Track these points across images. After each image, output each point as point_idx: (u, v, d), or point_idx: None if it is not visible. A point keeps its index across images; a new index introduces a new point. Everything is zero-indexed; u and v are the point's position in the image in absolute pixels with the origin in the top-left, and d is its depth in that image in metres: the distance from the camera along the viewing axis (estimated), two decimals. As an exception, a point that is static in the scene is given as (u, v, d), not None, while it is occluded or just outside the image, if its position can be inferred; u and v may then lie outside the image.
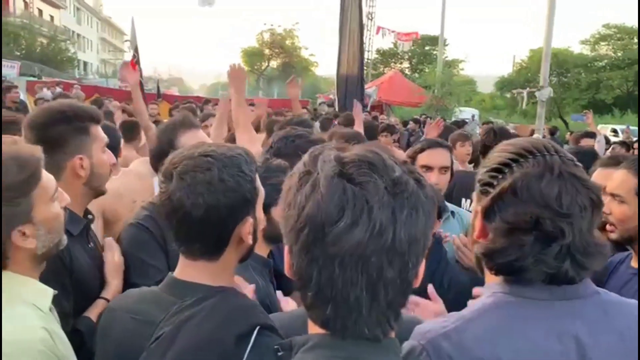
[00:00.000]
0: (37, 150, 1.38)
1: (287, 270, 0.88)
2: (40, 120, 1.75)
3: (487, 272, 1.15)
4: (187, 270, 1.25)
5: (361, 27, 12.85)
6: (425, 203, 0.81)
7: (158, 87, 16.98)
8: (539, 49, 33.14)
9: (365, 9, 17.21)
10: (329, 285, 0.78)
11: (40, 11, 46.64)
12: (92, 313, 1.64)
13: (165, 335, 1.09)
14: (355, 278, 0.77)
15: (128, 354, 1.18)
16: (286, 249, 0.86)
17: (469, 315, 1.08)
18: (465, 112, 24.88)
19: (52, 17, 49.11)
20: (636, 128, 17.34)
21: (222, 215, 1.19)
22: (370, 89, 19.04)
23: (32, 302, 1.29)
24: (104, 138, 1.85)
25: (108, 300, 1.72)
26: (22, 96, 12.90)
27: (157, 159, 1.95)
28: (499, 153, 1.14)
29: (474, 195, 1.20)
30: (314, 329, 0.85)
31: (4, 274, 1.30)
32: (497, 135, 3.43)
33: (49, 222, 1.35)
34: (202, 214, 1.17)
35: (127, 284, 1.73)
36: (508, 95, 36.61)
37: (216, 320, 1.09)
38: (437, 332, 1.05)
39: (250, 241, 1.26)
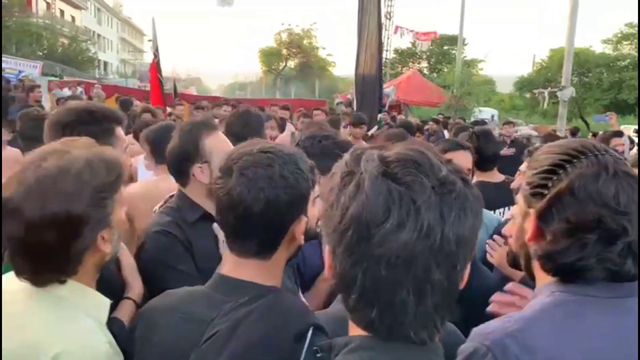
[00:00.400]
0: (118, 152, 1.36)
1: (327, 272, 0.86)
2: (68, 119, 1.76)
3: (539, 273, 1.15)
4: (237, 268, 1.23)
5: (380, 26, 12.77)
6: (473, 203, 0.79)
7: (175, 87, 17.06)
8: (560, 49, 32.77)
9: (383, 9, 17.16)
10: (374, 287, 0.76)
11: (62, 12, 47.38)
12: (121, 314, 1.64)
13: (221, 334, 1.09)
14: (401, 280, 0.75)
15: (176, 353, 1.17)
16: (327, 249, 0.84)
17: (530, 315, 1.07)
18: (485, 112, 24.63)
19: (73, 17, 49.84)
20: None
21: (281, 211, 1.19)
22: (388, 88, 18.96)
23: (93, 314, 1.26)
24: (126, 139, 1.86)
25: (134, 301, 1.73)
26: (44, 96, 13.15)
27: (178, 159, 1.92)
28: (546, 155, 1.14)
29: (518, 198, 1.19)
30: (355, 330, 0.84)
31: (66, 284, 1.25)
32: (479, 138, 3.40)
33: (120, 226, 1.32)
34: (262, 209, 1.17)
35: (157, 291, 1.73)
36: (528, 95, 36.27)
37: (273, 319, 1.09)
38: (501, 332, 1.03)
39: (302, 240, 1.26)
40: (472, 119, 16.16)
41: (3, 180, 1.22)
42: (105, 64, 57.56)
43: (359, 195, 0.76)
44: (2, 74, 18.50)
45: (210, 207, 1.95)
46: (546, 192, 1.09)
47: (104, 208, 1.24)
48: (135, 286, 1.72)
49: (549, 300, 1.09)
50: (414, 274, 0.75)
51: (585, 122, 28.99)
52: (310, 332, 1.07)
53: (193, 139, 1.92)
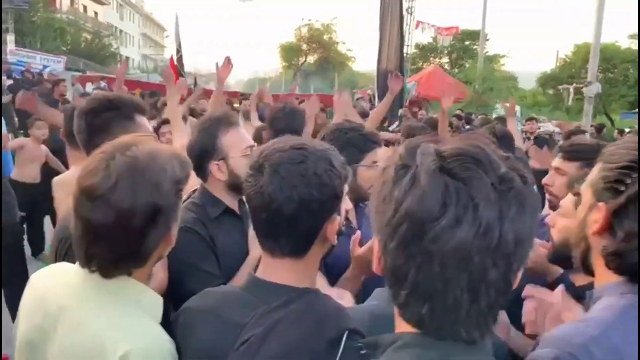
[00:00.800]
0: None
1: (375, 267, 0.84)
2: (90, 106, 1.82)
3: (601, 271, 1.13)
4: (270, 269, 1.21)
5: (401, 21, 12.73)
6: (531, 201, 0.76)
7: (195, 82, 17.14)
8: (584, 44, 32.17)
9: (405, 4, 17.03)
10: (426, 284, 0.75)
11: (85, 7, 48.03)
12: None
13: (254, 339, 1.07)
14: (455, 278, 0.73)
15: (212, 354, 1.16)
16: (376, 243, 0.82)
17: (608, 318, 1.04)
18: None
19: (96, 13, 50.46)
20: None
21: (314, 210, 1.15)
22: (409, 84, 18.83)
23: (150, 312, 1.26)
24: (149, 128, 1.87)
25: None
26: (69, 91, 13.34)
27: (197, 156, 1.90)
28: (625, 150, 1.11)
29: (584, 189, 1.17)
30: (402, 327, 0.82)
31: (127, 280, 1.25)
32: (497, 138, 3.38)
33: (177, 226, 1.32)
34: (294, 207, 1.13)
35: (183, 290, 1.73)
36: (551, 91, 35.70)
37: (307, 324, 1.07)
38: (584, 338, 1.00)
39: (335, 240, 1.23)
40: (495, 115, 15.95)
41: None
42: (127, 59, 58.21)
43: (414, 189, 0.74)
44: (28, 69, 18.82)
45: (230, 202, 1.97)
46: (623, 188, 1.07)
47: (179, 201, 1.27)
48: (157, 277, 1.72)
49: (622, 304, 1.06)
50: (469, 273, 0.73)
51: (610, 118, 28.45)
52: (345, 336, 1.05)
53: (210, 135, 1.92)
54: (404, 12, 18.59)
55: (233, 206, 1.98)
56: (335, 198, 1.19)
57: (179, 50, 10.17)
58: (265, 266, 1.23)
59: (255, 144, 1.96)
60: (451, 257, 0.72)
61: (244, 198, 2.02)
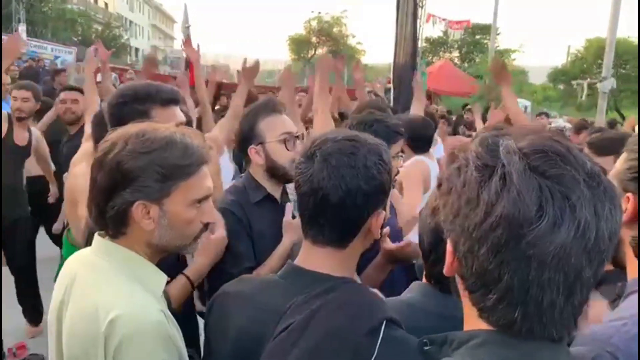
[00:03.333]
0: (209, 149, 1.41)
1: (447, 269, 0.83)
2: (110, 101, 1.87)
3: (634, 261, 1.13)
4: (312, 258, 1.22)
5: (415, 15, 12.68)
6: (619, 196, 0.76)
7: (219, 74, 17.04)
8: (596, 39, 31.82)
9: (416, -4, 16.93)
10: (522, 288, 0.72)
11: (95, -2, 48.06)
12: (172, 288, 1.68)
13: (295, 326, 1.09)
14: (553, 281, 0.71)
15: (249, 341, 1.18)
16: (450, 247, 0.81)
17: None
18: (518, 104, 24.17)
19: (106, 4, 50.58)
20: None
21: (360, 202, 1.16)
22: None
23: (147, 284, 1.31)
24: (176, 118, 1.86)
25: (188, 278, 1.76)
26: (72, 80, 13.31)
27: (239, 141, 2.03)
28: None
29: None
30: (477, 324, 0.80)
31: (125, 251, 1.32)
32: None
33: (176, 219, 1.31)
34: (341, 196, 1.15)
35: (219, 271, 1.75)
36: (562, 86, 35.39)
37: (348, 312, 1.08)
38: (623, 336, 1.00)
39: (378, 235, 1.24)
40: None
41: None
42: (137, 50, 58.25)
43: (507, 192, 0.71)
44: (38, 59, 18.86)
45: (271, 188, 2.00)
46: None
47: (156, 182, 1.27)
48: (197, 263, 1.75)
49: None
50: (566, 274, 0.71)
51: (622, 114, 28.21)
52: (383, 325, 1.06)
53: (250, 121, 1.99)
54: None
55: (274, 193, 2.02)
56: (382, 192, 1.20)
57: (185, 41, 10.12)
58: (306, 254, 1.24)
59: (300, 132, 2.03)
60: (550, 260, 0.70)
61: (287, 188, 2.07)
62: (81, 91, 4.43)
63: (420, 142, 3.59)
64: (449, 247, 0.81)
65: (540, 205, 0.70)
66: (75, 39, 32.53)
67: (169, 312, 1.32)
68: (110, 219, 1.29)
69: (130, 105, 1.78)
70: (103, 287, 1.27)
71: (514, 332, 0.76)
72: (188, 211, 1.32)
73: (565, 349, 0.80)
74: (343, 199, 1.15)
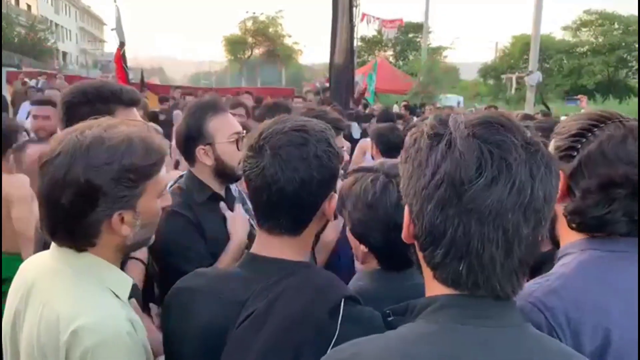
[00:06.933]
0: (165, 141, 1.37)
1: (404, 234, 0.90)
2: (67, 99, 1.77)
3: (564, 232, 1.23)
4: (268, 246, 1.23)
5: (350, 14, 12.87)
6: (555, 163, 0.84)
7: (142, 77, 16.54)
8: (522, 36, 33.34)
9: (350, -4, 17.17)
10: (464, 241, 0.80)
11: (17, 0, 45.62)
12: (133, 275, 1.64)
13: (258, 313, 1.10)
14: (492, 234, 0.79)
15: (214, 338, 1.16)
16: (406, 210, 0.88)
17: (568, 272, 1.15)
18: (450, 99, 24.99)
19: (29, 6, 48.10)
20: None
21: (314, 190, 1.18)
22: (357, 76, 19.00)
23: (114, 290, 1.27)
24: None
25: (141, 260, 1.77)
26: (4, 87, 12.61)
27: (184, 141, 1.95)
28: (574, 122, 1.23)
29: None
30: (436, 290, 0.87)
31: (90, 256, 1.26)
32: None
33: (148, 216, 1.29)
34: (295, 189, 1.16)
35: (174, 270, 1.73)
36: (491, 82, 36.84)
37: (307, 295, 1.12)
38: (544, 289, 1.10)
39: (332, 217, 1.28)
40: (439, 106, 16.36)
41: None
42: (65, 54, 55.84)
43: (451, 154, 0.80)
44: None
45: (217, 187, 1.99)
46: (575, 154, 1.18)
47: (129, 188, 1.22)
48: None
49: (585, 257, 1.17)
50: (504, 229, 0.79)
51: (547, 106, 29.68)
52: (342, 303, 1.10)
53: (197, 120, 1.94)
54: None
55: (220, 192, 2.00)
56: (334, 177, 1.24)
57: (123, 44, 9.78)
58: (262, 243, 1.25)
59: (244, 131, 1.97)
60: (488, 215, 0.78)
61: (230, 185, 2.05)
62: (54, 105, 3.75)
63: (388, 147, 3.79)
64: (406, 211, 0.89)
65: (480, 164, 0.78)
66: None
67: (137, 317, 1.28)
68: (79, 235, 1.23)
69: (92, 105, 1.69)
70: (65, 295, 1.21)
71: (466, 290, 0.84)
72: (156, 204, 1.32)
73: (511, 304, 0.88)
74: (298, 190, 1.16)
